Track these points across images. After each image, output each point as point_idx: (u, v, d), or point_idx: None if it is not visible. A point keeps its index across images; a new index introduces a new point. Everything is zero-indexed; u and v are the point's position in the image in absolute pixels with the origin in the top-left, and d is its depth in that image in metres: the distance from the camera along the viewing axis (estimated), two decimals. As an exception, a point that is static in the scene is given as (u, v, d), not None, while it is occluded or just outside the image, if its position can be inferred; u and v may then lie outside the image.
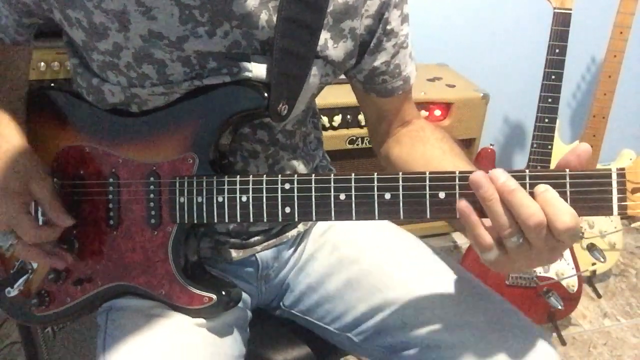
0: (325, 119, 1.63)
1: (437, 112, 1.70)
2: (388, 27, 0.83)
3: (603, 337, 1.80)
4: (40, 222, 0.77)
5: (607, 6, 1.75)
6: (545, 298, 1.67)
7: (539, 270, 1.66)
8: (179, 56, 0.74)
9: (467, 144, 1.78)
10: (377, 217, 0.67)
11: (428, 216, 0.65)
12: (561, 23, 1.51)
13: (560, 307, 1.66)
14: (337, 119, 1.66)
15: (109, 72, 0.77)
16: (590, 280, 1.97)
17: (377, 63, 0.85)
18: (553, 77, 1.53)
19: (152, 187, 0.76)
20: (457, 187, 0.64)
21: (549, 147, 1.57)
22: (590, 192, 0.60)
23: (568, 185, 0.61)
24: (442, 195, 0.64)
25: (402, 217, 0.66)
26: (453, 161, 0.82)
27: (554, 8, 1.51)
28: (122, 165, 0.78)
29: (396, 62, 0.87)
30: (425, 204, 0.65)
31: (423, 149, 0.87)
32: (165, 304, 0.79)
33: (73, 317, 0.85)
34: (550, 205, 0.59)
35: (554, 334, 1.77)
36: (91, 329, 1.25)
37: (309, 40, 0.75)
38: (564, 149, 1.79)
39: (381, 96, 0.90)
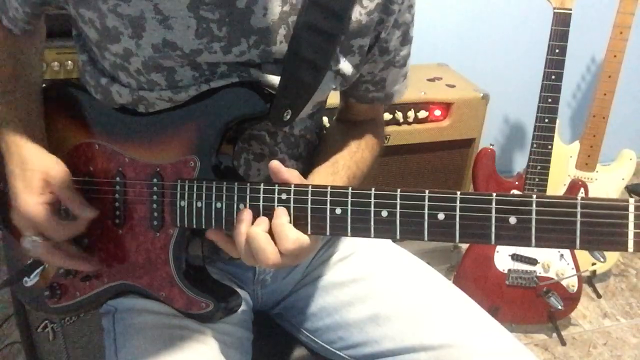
0: (325, 119, 1.63)
1: (437, 112, 1.70)
2: (384, 45, 0.83)
3: (603, 337, 1.80)
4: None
5: (607, 6, 1.75)
6: (545, 298, 1.67)
7: (539, 271, 1.66)
8: (189, 62, 0.74)
9: (467, 144, 1.78)
10: (372, 235, 0.64)
11: (425, 238, 0.62)
12: (561, 23, 1.51)
13: (560, 307, 1.66)
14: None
15: (120, 73, 0.77)
16: (590, 280, 1.97)
17: (363, 71, 0.85)
18: (553, 77, 1.53)
19: (155, 188, 0.76)
20: (457, 208, 0.61)
21: (549, 147, 1.57)
22: (603, 224, 0.55)
23: (579, 215, 0.56)
24: (441, 216, 0.61)
25: (398, 236, 0.63)
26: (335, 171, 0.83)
27: (554, 8, 1.51)
28: (128, 164, 0.78)
29: (383, 75, 0.87)
30: (423, 224, 0.62)
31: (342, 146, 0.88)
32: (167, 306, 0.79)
33: (83, 311, 0.88)
34: (276, 234, 0.67)
35: (554, 334, 1.77)
36: (91, 329, 1.25)
37: (326, 49, 0.74)
38: (564, 149, 1.79)
39: (359, 102, 0.91)
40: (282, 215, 0.67)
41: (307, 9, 0.71)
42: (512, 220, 0.59)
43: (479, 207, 0.60)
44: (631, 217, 0.55)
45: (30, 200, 0.74)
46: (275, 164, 0.69)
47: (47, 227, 0.74)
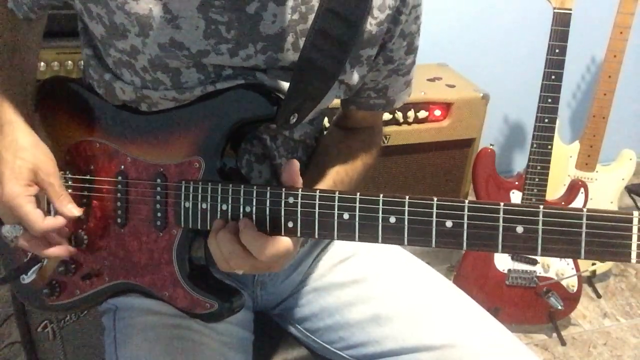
0: (325, 119, 1.63)
1: (437, 112, 1.70)
2: (389, 54, 0.83)
3: (603, 337, 1.80)
4: (52, 214, 0.77)
5: (607, 6, 1.75)
6: (545, 298, 1.67)
7: (539, 270, 1.66)
8: (195, 64, 0.74)
9: (467, 144, 1.78)
10: (380, 241, 0.65)
11: (433, 245, 0.63)
12: (561, 23, 1.51)
13: (560, 307, 1.66)
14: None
15: (124, 70, 0.77)
16: (590, 280, 1.97)
17: (366, 79, 0.85)
18: (553, 77, 1.53)
19: (158, 188, 0.76)
20: (465, 217, 0.61)
21: (549, 147, 1.57)
22: (607, 235, 0.57)
23: (584, 227, 0.58)
24: (449, 224, 0.62)
25: (406, 242, 0.64)
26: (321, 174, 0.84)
27: (554, 8, 1.51)
28: (130, 164, 0.78)
29: (386, 83, 0.87)
30: (431, 232, 0.63)
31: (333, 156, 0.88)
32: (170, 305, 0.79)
33: (82, 309, 0.88)
34: (250, 245, 0.67)
35: (554, 334, 1.77)
36: (91, 329, 1.25)
37: (338, 57, 0.73)
38: (564, 149, 1.79)
39: (360, 109, 0.90)
40: (247, 228, 0.68)
41: (322, 16, 0.70)
42: (519, 229, 0.60)
43: (486, 216, 0.61)
44: (635, 229, 0.56)
45: (16, 190, 0.73)
46: (296, 165, 0.69)
47: (29, 219, 0.73)
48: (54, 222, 0.75)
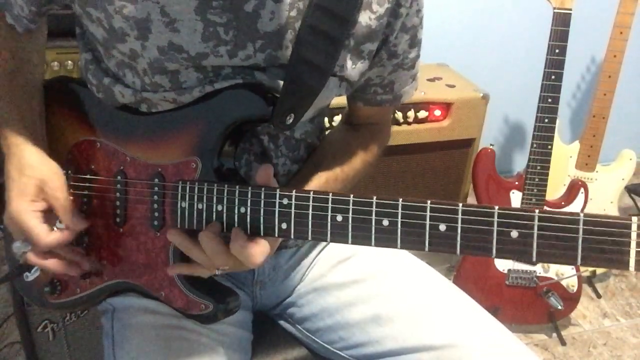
0: (325, 119, 1.63)
1: (437, 112, 1.70)
2: (393, 49, 0.83)
3: (603, 337, 1.80)
4: (57, 227, 0.77)
5: (607, 6, 1.75)
6: (545, 298, 1.67)
7: (539, 270, 1.66)
8: (194, 65, 0.74)
9: (467, 144, 1.78)
10: (373, 244, 0.64)
11: (426, 248, 0.62)
12: (561, 23, 1.51)
13: (560, 307, 1.66)
14: (337, 119, 1.66)
15: (127, 71, 0.77)
16: (590, 280, 1.97)
17: (372, 74, 0.85)
18: (553, 77, 1.53)
19: (156, 188, 0.76)
20: (459, 220, 0.60)
21: (549, 147, 1.57)
22: (605, 242, 0.55)
23: (581, 232, 0.56)
24: (442, 227, 0.61)
25: (399, 246, 0.63)
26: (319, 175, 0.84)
27: (554, 8, 1.51)
28: (129, 163, 0.78)
29: (391, 78, 0.87)
30: (424, 235, 0.62)
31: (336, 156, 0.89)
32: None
33: (83, 307, 0.89)
34: (240, 255, 0.67)
35: (554, 334, 1.77)
36: (91, 329, 1.25)
37: (330, 52, 0.73)
38: (564, 149, 1.79)
39: (367, 105, 0.90)
40: (237, 238, 0.68)
41: (312, 12, 0.71)
42: (514, 234, 0.59)
43: (480, 220, 0.60)
44: (634, 235, 0.54)
45: (22, 206, 0.74)
46: (269, 169, 0.70)
47: (34, 234, 0.74)
48: (60, 236, 0.75)
